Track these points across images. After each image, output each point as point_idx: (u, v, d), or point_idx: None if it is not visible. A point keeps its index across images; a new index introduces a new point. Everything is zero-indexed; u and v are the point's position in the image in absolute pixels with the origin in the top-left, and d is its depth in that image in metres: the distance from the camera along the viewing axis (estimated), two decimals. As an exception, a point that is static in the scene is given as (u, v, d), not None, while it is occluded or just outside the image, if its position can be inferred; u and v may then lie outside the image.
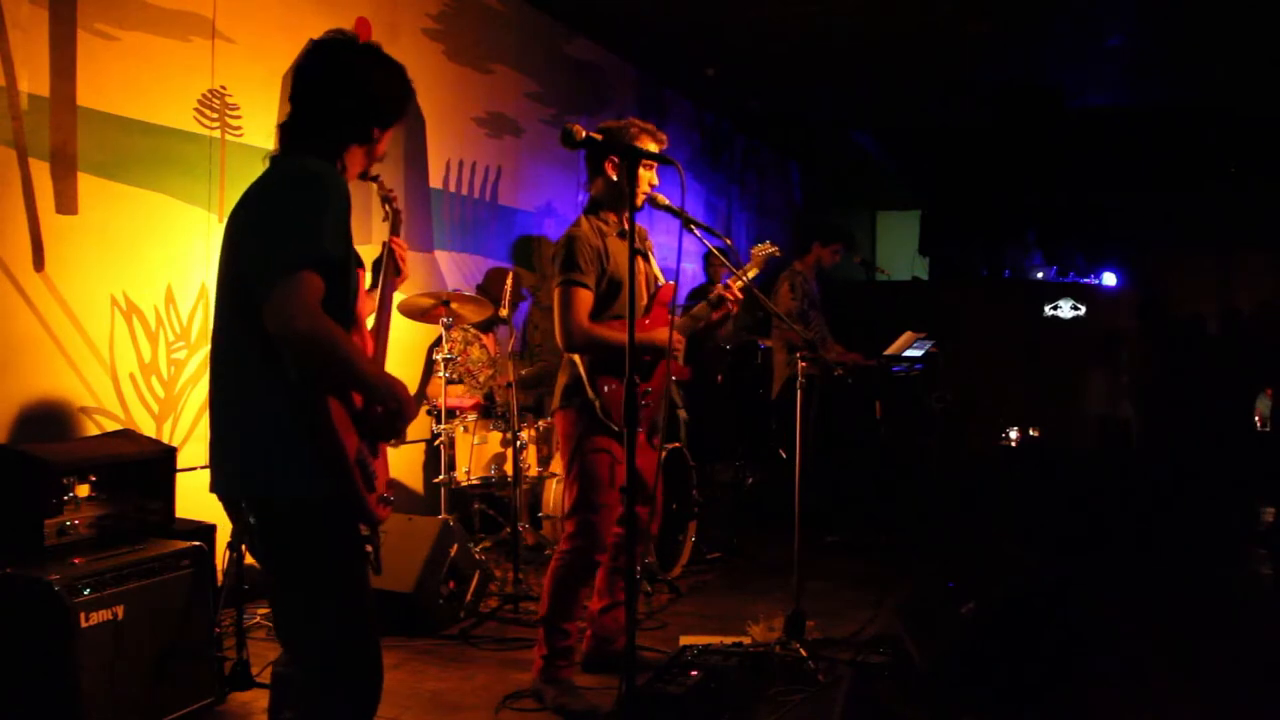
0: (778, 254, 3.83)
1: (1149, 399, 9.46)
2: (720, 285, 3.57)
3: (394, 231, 2.53)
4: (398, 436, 2.19)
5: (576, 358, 3.39)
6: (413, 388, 5.55)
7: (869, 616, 4.34)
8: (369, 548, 2.17)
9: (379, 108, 2.22)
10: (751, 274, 3.70)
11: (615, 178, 3.44)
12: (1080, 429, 9.21)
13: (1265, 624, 4.72)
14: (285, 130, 2.21)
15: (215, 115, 4.34)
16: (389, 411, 2.10)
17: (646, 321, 3.53)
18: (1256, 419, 7.99)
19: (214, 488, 2.14)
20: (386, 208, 2.60)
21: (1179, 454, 8.78)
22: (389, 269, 2.42)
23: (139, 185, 4.02)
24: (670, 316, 3.54)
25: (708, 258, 8.32)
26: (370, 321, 2.36)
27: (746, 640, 3.92)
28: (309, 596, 2.09)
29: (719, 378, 7.23)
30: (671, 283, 3.61)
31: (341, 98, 2.18)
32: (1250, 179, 10.80)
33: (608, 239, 3.43)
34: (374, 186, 2.49)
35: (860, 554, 5.66)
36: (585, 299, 3.35)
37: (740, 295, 3.57)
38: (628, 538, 2.44)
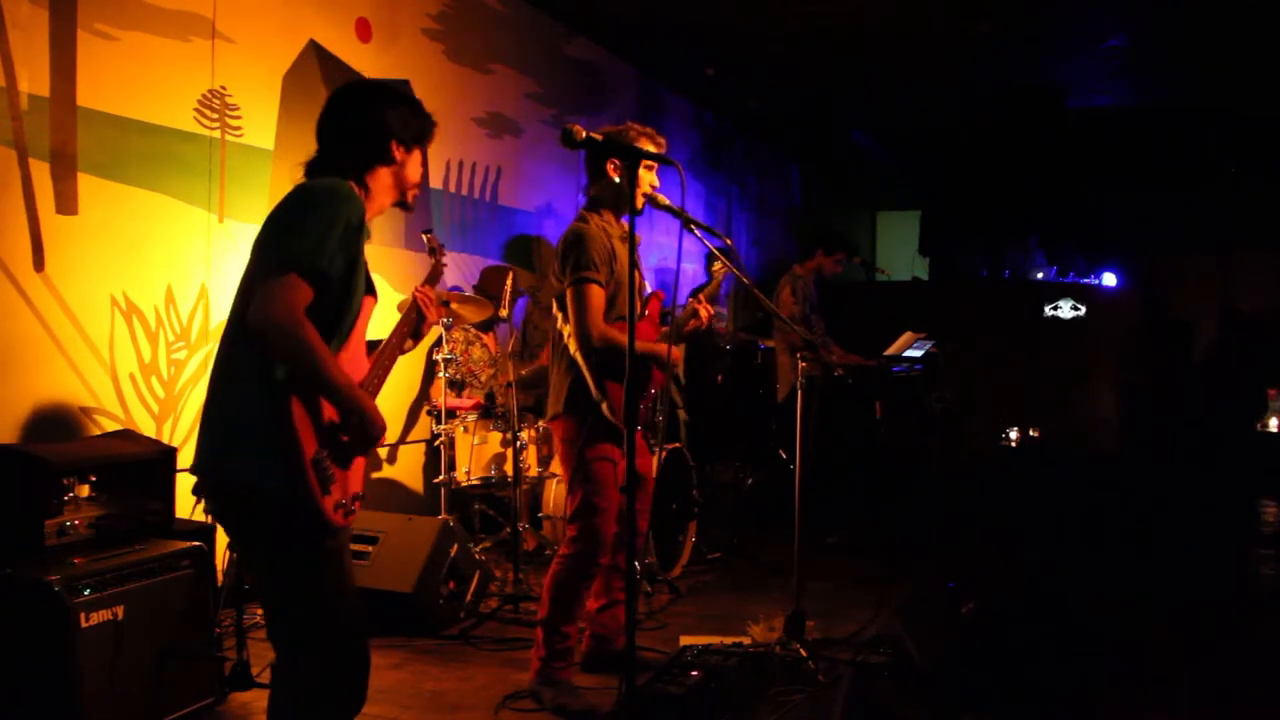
0: (725, 271, 3.83)
1: (1150, 399, 9.46)
2: (692, 299, 3.61)
3: (427, 281, 2.63)
4: (363, 452, 2.25)
5: (580, 361, 3.39)
6: (413, 390, 5.55)
7: (869, 616, 4.34)
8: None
9: (391, 124, 2.29)
10: (709, 290, 3.75)
11: (616, 179, 3.46)
12: (1080, 429, 9.21)
13: (1266, 624, 4.72)
14: (309, 167, 2.29)
15: (215, 115, 4.34)
16: (353, 425, 2.16)
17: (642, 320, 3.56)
18: (1273, 422, 7.96)
19: (192, 469, 2.20)
20: (432, 259, 2.76)
21: (1180, 454, 8.78)
22: (409, 312, 2.51)
23: (139, 185, 4.02)
24: (664, 324, 3.57)
25: (709, 258, 8.32)
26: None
27: (746, 640, 3.92)
28: (273, 587, 2.17)
29: (719, 378, 7.23)
30: (660, 291, 3.66)
31: (352, 121, 2.28)
32: (1250, 179, 10.79)
33: (614, 240, 3.45)
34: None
35: (860, 554, 5.65)
36: (600, 297, 3.35)
37: (711, 311, 3.64)
38: (628, 538, 2.44)
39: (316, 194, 2.14)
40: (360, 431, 2.17)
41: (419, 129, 2.35)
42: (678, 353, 3.55)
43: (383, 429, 2.20)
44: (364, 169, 2.28)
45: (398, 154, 2.31)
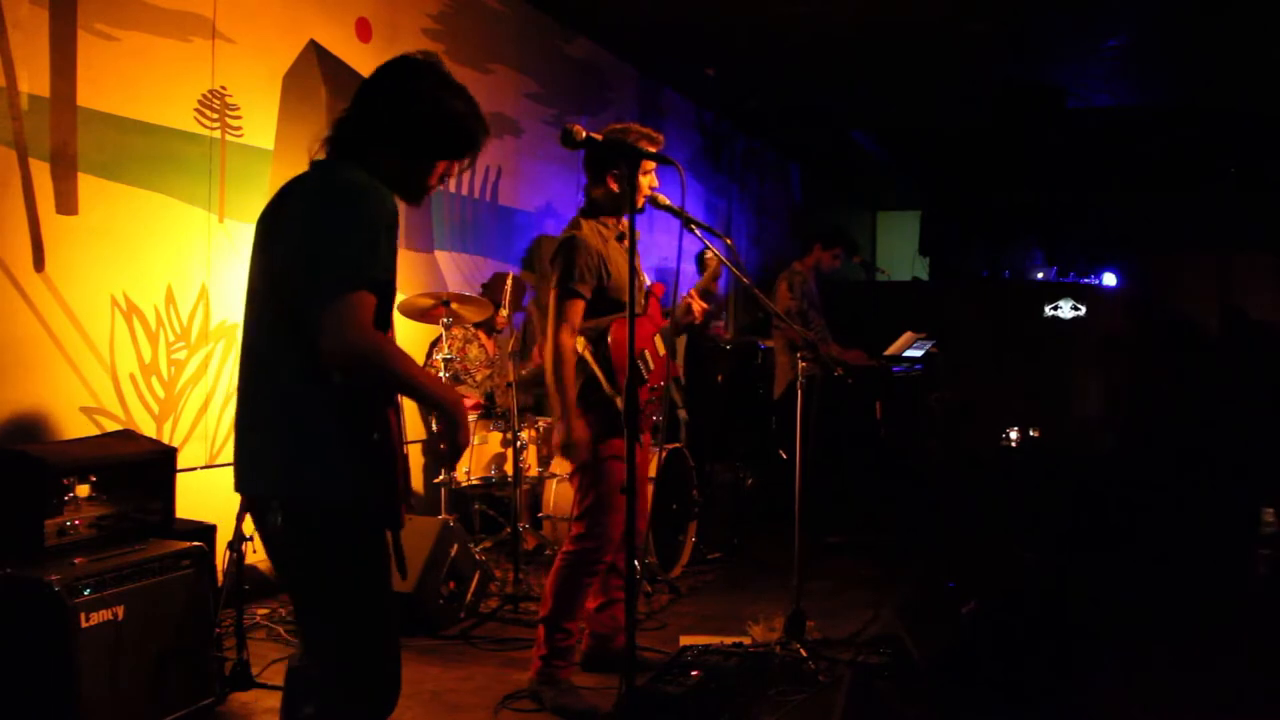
0: (717, 262, 3.84)
1: (1150, 398, 9.46)
2: (685, 296, 3.64)
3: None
4: (460, 447, 2.13)
5: (589, 358, 3.39)
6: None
7: (869, 616, 4.34)
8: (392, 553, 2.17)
9: (448, 142, 2.17)
10: (703, 284, 3.78)
11: (615, 188, 3.46)
12: (1080, 429, 9.21)
13: (1265, 624, 4.72)
14: (340, 138, 2.13)
15: (215, 115, 4.34)
16: (446, 421, 2.09)
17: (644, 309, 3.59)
18: None
19: (243, 487, 2.11)
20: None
21: (1180, 454, 8.77)
22: None
23: (139, 185, 4.02)
24: (666, 312, 3.60)
25: (700, 257, 8.30)
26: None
27: (746, 640, 3.92)
28: (335, 601, 2.05)
29: (719, 378, 7.23)
30: (659, 285, 3.73)
31: (415, 125, 2.12)
32: (1250, 180, 10.79)
33: (608, 244, 3.45)
34: None
35: (860, 554, 5.65)
36: (578, 310, 3.37)
37: (705, 306, 3.69)
38: (628, 538, 2.44)
39: (354, 197, 1.98)
40: (451, 428, 2.09)
41: (467, 149, 2.21)
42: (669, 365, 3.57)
43: (468, 422, 2.13)
44: (392, 169, 2.12)
45: (438, 166, 2.19)
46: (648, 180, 3.43)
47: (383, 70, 2.18)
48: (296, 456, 2.00)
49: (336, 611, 2.06)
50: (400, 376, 2.01)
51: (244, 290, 2.14)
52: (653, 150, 3.34)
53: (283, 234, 2.04)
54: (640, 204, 3.33)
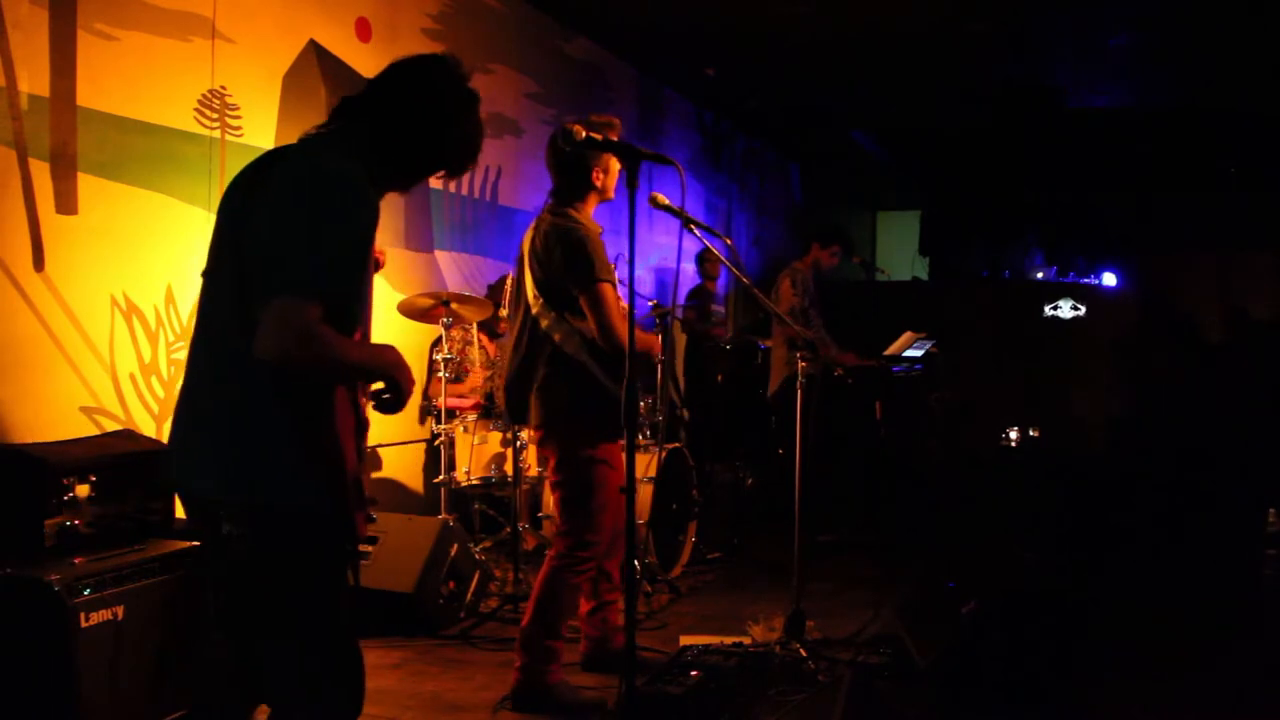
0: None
1: (1152, 399, 9.46)
2: None
3: None
4: (405, 396, 2.05)
5: (588, 362, 3.37)
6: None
7: (869, 616, 4.34)
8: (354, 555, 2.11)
9: (450, 161, 2.16)
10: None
11: (598, 183, 3.56)
12: (1080, 429, 9.21)
13: (1267, 624, 4.72)
14: (342, 121, 2.06)
15: (215, 115, 4.34)
16: (391, 388, 2.00)
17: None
18: None
19: (192, 488, 2.00)
20: None
21: (1181, 455, 8.77)
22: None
23: (139, 185, 4.02)
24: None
25: (700, 257, 8.32)
26: None
27: (746, 640, 3.92)
28: (296, 609, 1.96)
29: (719, 377, 7.23)
30: None
31: (420, 145, 2.09)
32: (1250, 180, 10.79)
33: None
34: None
35: (860, 554, 5.66)
36: (614, 295, 3.38)
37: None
38: (628, 538, 2.44)
39: (336, 194, 1.88)
40: (396, 392, 2.01)
41: (462, 171, 2.21)
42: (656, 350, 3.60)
43: (411, 378, 2.05)
44: (391, 176, 2.07)
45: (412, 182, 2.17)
46: (617, 169, 3.51)
47: (405, 73, 2.12)
48: (257, 460, 1.89)
49: (298, 619, 1.96)
50: (336, 369, 1.89)
51: None
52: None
53: (260, 211, 1.91)
54: (612, 194, 3.40)
